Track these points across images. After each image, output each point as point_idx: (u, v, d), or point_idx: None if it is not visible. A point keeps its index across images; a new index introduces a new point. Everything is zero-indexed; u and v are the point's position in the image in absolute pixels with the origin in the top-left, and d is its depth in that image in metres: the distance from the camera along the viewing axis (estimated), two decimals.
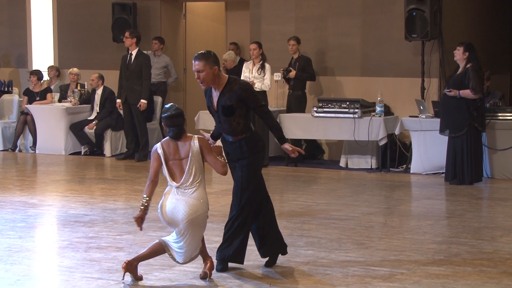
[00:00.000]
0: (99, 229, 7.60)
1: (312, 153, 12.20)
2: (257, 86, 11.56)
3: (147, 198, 5.87)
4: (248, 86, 6.13)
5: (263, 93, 11.58)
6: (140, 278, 5.88)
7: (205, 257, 5.98)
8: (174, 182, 5.81)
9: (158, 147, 5.89)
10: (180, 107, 5.93)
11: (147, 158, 12.25)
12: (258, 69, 11.69)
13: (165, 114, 5.79)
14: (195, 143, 5.82)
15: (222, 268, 6.10)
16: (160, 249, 5.87)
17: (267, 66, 11.72)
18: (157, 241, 5.92)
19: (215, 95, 6.04)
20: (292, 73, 11.87)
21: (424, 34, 11.44)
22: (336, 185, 10.52)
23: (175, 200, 5.80)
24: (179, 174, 5.81)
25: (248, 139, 6.06)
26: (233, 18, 15.29)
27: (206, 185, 5.93)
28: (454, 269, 6.21)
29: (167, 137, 5.91)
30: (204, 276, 5.91)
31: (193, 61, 5.97)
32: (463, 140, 10.06)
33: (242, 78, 11.62)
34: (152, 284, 5.80)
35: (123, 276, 5.82)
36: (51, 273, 6.27)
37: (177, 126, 5.83)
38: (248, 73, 11.73)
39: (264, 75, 11.65)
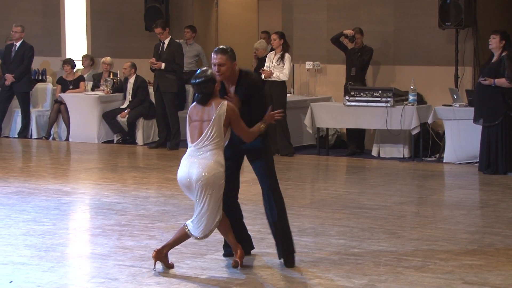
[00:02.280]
0: (131, 217, 7.65)
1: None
2: (275, 75, 11.53)
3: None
4: (258, 81, 6.11)
5: (282, 83, 11.54)
6: (171, 266, 5.91)
7: (235, 246, 5.97)
8: (190, 143, 5.77)
9: (191, 106, 5.88)
10: (211, 73, 5.81)
11: (178, 147, 12.33)
12: (278, 59, 11.62)
13: (194, 81, 5.77)
14: (223, 108, 5.72)
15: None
16: (184, 234, 5.86)
17: (287, 56, 11.65)
18: (181, 226, 5.93)
19: (231, 89, 6.01)
20: (350, 45, 11.71)
21: (458, 22, 11.41)
22: (368, 174, 10.52)
23: (189, 163, 5.73)
24: (197, 135, 5.75)
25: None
26: (265, 6, 15.37)
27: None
28: (487, 259, 6.17)
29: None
30: (236, 265, 5.91)
31: (213, 55, 5.92)
32: (497, 129, 10.01)
33: (265, 67, 11.68)
34: (184, 272, 5.84)
35: (154, 265, 5.86)
36: (84, 260, 6.31)
37: (204, 93, 5.77)
38: (269, 62, 11.73)
39: (284, 65, 11.59)
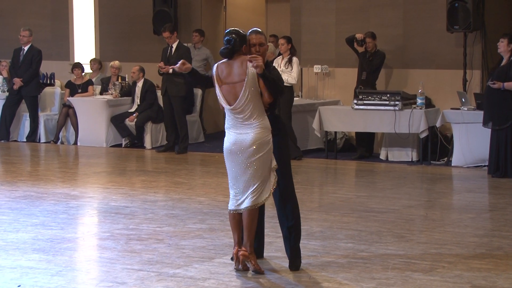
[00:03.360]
0: (139, 221, 7.67)
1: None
2: (284, 79, 11.54)
3: None
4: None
5: (289, 87, 11.48)
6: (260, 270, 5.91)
7: (237, 244, 5.95)
8: (227, 105, 5.80)
9: (214, 67, 5.91)
10: (245, 34, 5.87)
11: (187, 151, 12.39)
12: (286, 63, 11.64)
13: (227, 30, 5.88)
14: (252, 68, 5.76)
15: None
16: (237, 217, 5.85)
17: (294, 59, 11.67)
18: (229, 216, 5.92)
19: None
20: (360, 49, 11.77)
21: (466, 25, 11.45)
22: (376, 177, 10.52)
23: (237, 134, 5.80)
24: (232, 98, 5.79)
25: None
26: (273, 10, 15.40)
27: None
28: (496, 262, 6.19)
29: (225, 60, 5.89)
30: (236, 259, 5.92)
31: (253, 34, 5.95)
32: (507, 132, 10.02)
33: None
34: (192, 275, 5.86)
35: (243, 267, 5.90)
36: (92, 264, 6.34)
37: (231, 45, 5.79)
38: (277, 67, 11.73)
39: (292, 69, 11.60)
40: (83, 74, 13.81)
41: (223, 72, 5.85)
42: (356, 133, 11.95)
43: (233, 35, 5.81)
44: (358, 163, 11.52)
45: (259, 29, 6.03)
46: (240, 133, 5.82)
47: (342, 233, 7.12)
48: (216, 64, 5.93)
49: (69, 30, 15.35)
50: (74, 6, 15.39)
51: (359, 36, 11.81)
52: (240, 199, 5.90)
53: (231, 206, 5.95)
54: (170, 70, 12.07)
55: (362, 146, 11.89)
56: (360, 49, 11.82)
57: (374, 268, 6.04)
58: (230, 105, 5.81)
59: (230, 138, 5.89)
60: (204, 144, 13.40)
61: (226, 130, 5.96)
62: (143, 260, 6.26)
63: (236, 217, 5.91)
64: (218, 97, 5.90)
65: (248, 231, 5.86)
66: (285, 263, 6.11)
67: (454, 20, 11.50)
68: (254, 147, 5.77)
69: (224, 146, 5.93)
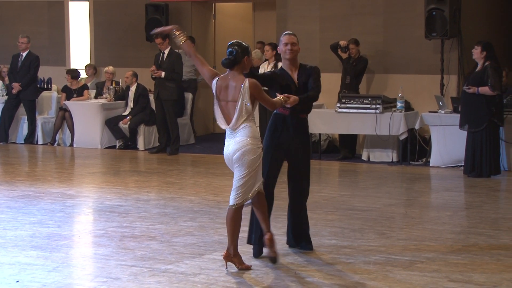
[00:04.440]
0: (133, 219, 7.74)
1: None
2: None
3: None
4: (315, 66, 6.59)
5: None
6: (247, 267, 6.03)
7: (266, 229, 6.09)
8: (226, 125, 5.90)
9: (216, 79, 5.93)
10: (249, 47, 5.98)
11: (178, 152, 12.42)
12: (272, 68, 11.75)
13: (230, 43, 5.96)
14: (246, 85, 5.82)
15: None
16: (236, 212, 5.88)
17: (280, 65, 11.83)
18: (228, 212, 5.93)
19: (295, 75, 6.45)
20: (344, 55, 11.84)
21: (443, 32, 11.47)
22: (358, 177, 10.58)
23: (230, 143, 5.92)
24: (230, 116, 5.88)
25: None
26: (260, 18, 15.29)
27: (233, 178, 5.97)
28: (472, 258, 6.26)
29: (226, 73, 5.95)
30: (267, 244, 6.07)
31: (287, 35, 6.37)
32: (482, 134, 10.09)
33: None
34: (183, 271, 5.91)
35: (274, 258, 6.05)
36: (88, 260, 6.39)
37: (232, 56, 5.85)
38: (264, 71, 11.89)
39: None
40: (78, 80, 13.83)
41: (220, 89, 5.90)
42: (340, 135, 11.99)
43: (235, 47, 5.87)
44: (341, 163, 11.59)
45: (291, 32, 6.46)
46: (231, 145, 5.94)
47: (326, 230, 7.19)
48: (215, 80, 5.93)
49: (65, 37, 15.35)
50: (70, 14, 15.39)
51: (342, 43, 11.88)
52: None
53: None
54: (162, 75, 12.39)
55: (345, 148, 11.93)
56: (344, 55, 11.88)
57: (357, 263, 6.11)
58: (228, 124, 5.89)
59: (226, 148, 5.99)
60: (195, 146, 13.44)
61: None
62: (136, 256, 6.30)
63: (261, 201, 6.00)
64: (215, 113, 5.99)
65: (263, 219, 6.05)
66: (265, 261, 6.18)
67: (432, 27, 11.53)
68: (240, 155, 5.85)
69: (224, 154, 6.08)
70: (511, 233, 7.18)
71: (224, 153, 5.99)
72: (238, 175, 5.89)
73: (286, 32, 6.48)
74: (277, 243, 6.28)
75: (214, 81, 5.94)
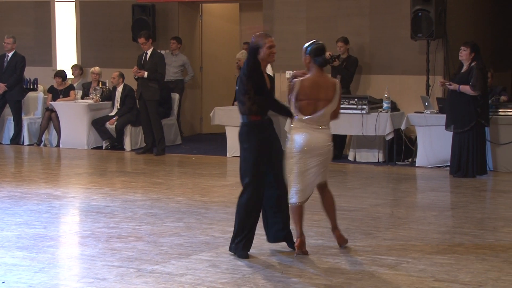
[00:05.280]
0: (119, 219, 7.76)
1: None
2: None
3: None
4: None
5: None
6: (306, 253, 6.42)
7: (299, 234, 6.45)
8: (303, 115, 6.35)
9: (297, 82, 6.38)
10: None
11: (164, 152, 12.44)
12: None
13: (312, 46, 6.41)
14: (338, 87, 6.45)
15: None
16: (298, 206, 6.36)
17: (268, 66, 11.86)
18: (294, 206, 6.39)
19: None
20: (336, 63, 11.85)
21: (429, 33, 11.52)
22: (345, 177, 10.59)
23: (312, 131, 6.37)
24: (311, 112, 6.35)
25: None
26: (247, 18, 15.29)
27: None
28: (457, 257, 6.31)
29: (310, 74, 6.41)
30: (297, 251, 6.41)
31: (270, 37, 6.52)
32: (468, 135, 10.15)
33: None
34: (170, 272, 5.93)
35: (295, 254, 6.33)
36: (74, 261, 6.41)
37: (324, 55, 6.40)
38: None
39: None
40: (64, 81, 13.82)
41: (308, 87, 6.34)
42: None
43: (322, 49, 6.45)
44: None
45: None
46: (316, 133, 6.40)
47: (313, 230, 7.20)
48: (300, 80, 6.37)
49: (51, 37, 15.34)
50: (57, 15, 15.37)
51: (327, 55, 12.05)
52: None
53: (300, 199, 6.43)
54: (145, 75, 12.39)
55: (334, 148, 12.11)
56: (335, 63, 11.86)
57: (343, 263, 6.16)
58: (307, 114, 6.34)
59: (305, 135, 6.39)
60: (182, 146, 13.46)
61: (292, 129, 6.47)
62: (123, 257, 6.31)
63: (301, 209, 6.40)
64: (293, 106, 6.38)
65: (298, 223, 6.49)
66: (259, 258, 6.25)
67: (418, 28, 11.57)
68: (329, 146, 6.50)
69: (298, 143, 6.40)
70: (496, 233, 7.25)
71: (306, 141, 6.28)
72: (323, 160, 6.41)
73: (267, 33, 6.59)
74: (262, 242, 6.38)
75: (297, 87, 6.37)
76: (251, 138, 6.36)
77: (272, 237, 6.60)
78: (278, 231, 6.56)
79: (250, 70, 6.25)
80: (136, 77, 12.37)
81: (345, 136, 12.07)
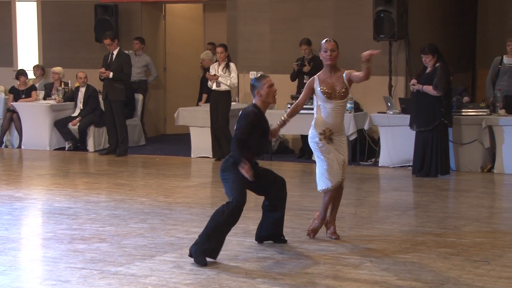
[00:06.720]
0: (82, 221, 7.73)
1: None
2: (224, 81, 11.72)
3: (287, 117, 6.84)
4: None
5: (227, 92, 11.71)
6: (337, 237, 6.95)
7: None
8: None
9: (316, 80, 6.93)
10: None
11: (127, 153, 12.44)
12: (223, 68, 11.76)
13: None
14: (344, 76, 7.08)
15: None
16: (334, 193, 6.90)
17: (232, 65, 11.82)
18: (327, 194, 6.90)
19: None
20: (307, 68, 11.87)
21: (391, 34, 11.68)
22: (308, 178, 10.57)
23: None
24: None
25: None
26: (210, 19, 15.34)
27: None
28: (420, 256, 6.38)
29: (322, 71, 6.86)
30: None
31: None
32: (432, 134, 10.26)
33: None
34: (134, 273, 5.94)
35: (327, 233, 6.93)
36: (36, 263, 6.35)
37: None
38: (215, 72, 11.85)
39: (230, 74, 11.76)
40: (27, 80, 13.78)
41: (328, 84, 6.98)
42: (301, 135, 12.04)
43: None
44: (292, 164, 11.68)
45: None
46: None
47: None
48: (316, 77, 6.87)
49: (12, 37, 15.29)
50: (18, 15, 15.32)
51: (295, 66, 12.01)
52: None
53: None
54: (110, 75, 12.35)
55: (300, 149, 12.09)
56: (306, 69, 11.88)
57: (307, 263, 6.21)
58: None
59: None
60: (145, 147, 13.46)
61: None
62: (86, 258, 6.30)
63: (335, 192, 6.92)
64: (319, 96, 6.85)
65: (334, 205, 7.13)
66: (224, 259, 6.22)
67: (380, 29, 11.71)
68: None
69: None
70: (458, 232, 7.33)
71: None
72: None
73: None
74: (227, 244, 6.37)
75: (316, 84, 6.97)
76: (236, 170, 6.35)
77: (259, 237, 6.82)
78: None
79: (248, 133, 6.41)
80: (102, 77, 12.29)
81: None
